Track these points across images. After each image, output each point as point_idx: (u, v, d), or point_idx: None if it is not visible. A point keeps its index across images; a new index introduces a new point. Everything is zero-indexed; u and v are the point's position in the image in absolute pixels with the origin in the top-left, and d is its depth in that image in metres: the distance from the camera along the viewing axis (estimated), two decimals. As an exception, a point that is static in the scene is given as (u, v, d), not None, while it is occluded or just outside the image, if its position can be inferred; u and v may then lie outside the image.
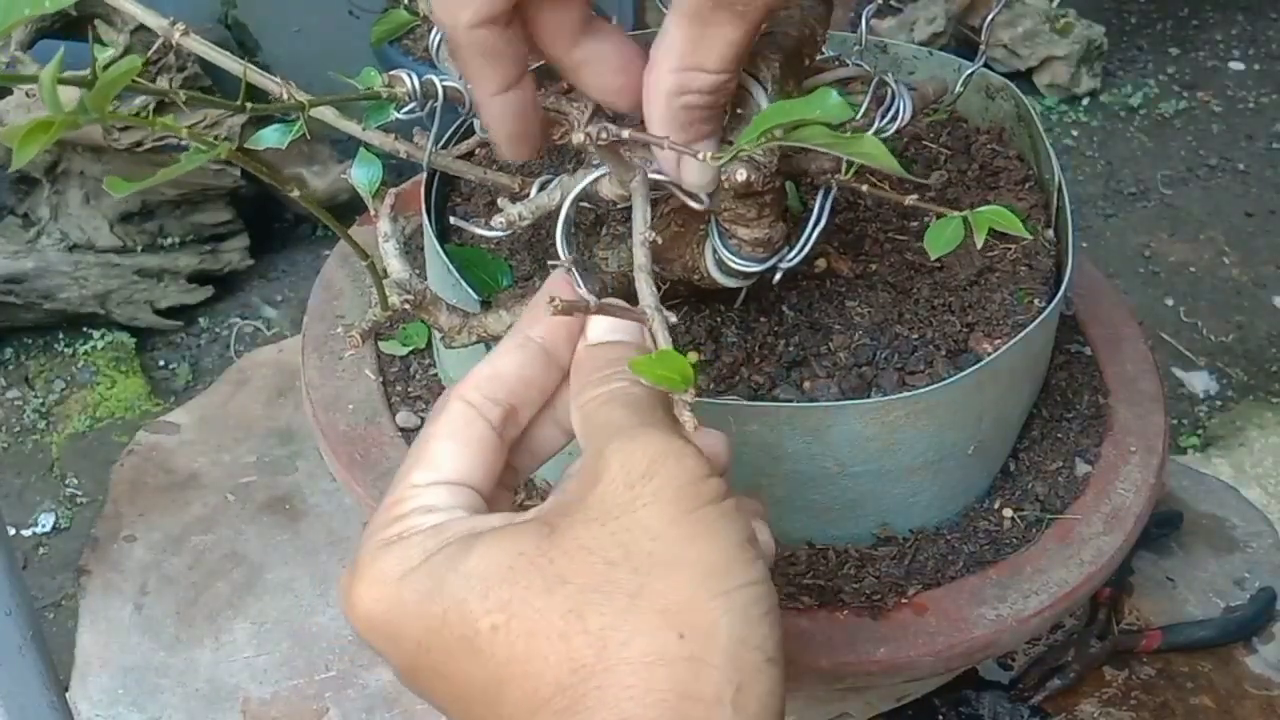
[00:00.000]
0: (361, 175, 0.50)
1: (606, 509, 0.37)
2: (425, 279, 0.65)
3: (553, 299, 0.38)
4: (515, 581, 0.36)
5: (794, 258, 0.54)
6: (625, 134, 0.45)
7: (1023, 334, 0.57)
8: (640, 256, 0.43)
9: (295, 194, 0.39)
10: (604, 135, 0.44)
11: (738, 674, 0.35)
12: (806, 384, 0.58)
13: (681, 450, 0.37)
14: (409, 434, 0.65)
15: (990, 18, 0.61)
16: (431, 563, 0.38)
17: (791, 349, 0.59)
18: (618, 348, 0.43)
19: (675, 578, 0.35)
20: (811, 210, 0.54)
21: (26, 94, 1.63)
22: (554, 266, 0.45)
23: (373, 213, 0.51)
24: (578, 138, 0.45)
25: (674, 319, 0.41)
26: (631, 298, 0.44)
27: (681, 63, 0.44)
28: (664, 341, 0.40)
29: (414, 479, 0.41)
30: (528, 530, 0.38)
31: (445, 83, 0.48)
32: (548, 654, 0.35)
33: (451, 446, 0.42)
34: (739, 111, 0.52)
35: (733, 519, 0.37)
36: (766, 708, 0.35)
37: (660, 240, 0.45)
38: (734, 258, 0.53)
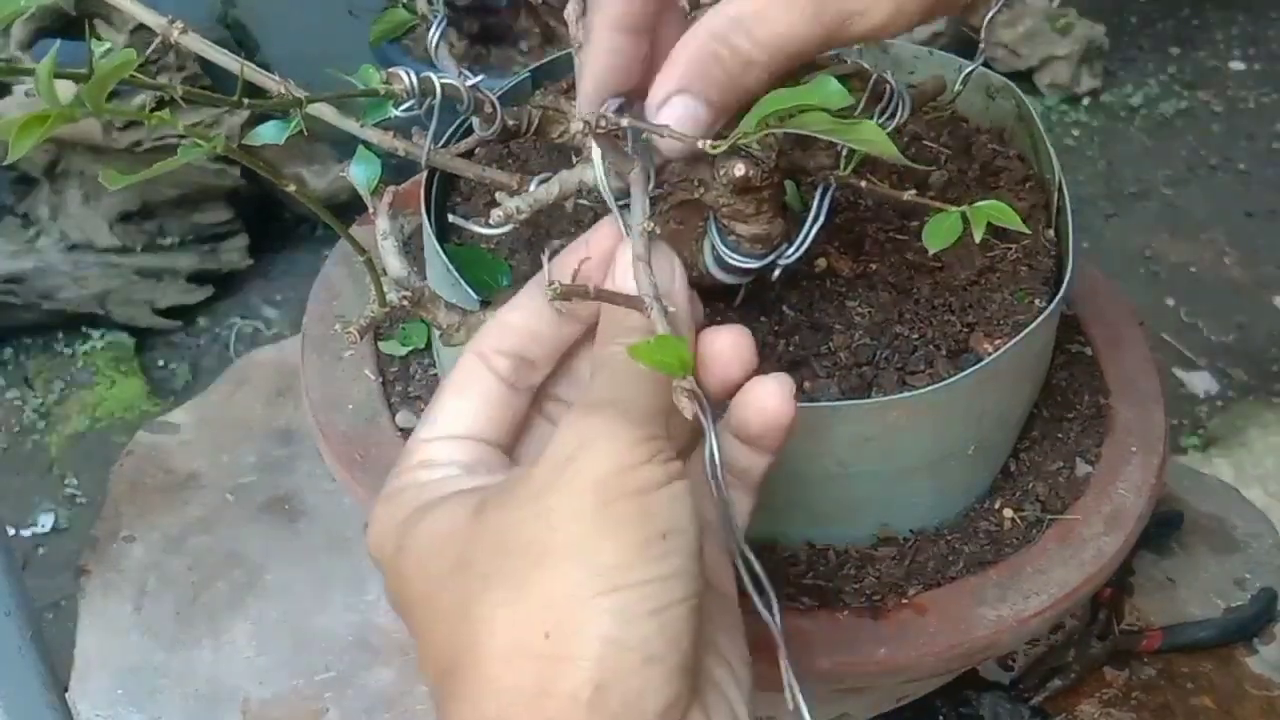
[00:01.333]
0: (360, 173, 0.50)
1: (529, 492, 0.37)
2: (424, 277, 0.65)
3: (551, 283, 0.37)
4: (440, 559, 0.38)
5: (793, 254, 0.54)
6: (624, 121, 0.45)
7: (1023, 334, 0.57)
8: (638, 246, 0.43)
9: (292, 189, 0.38)
10: (603, 122, 0.44)
11: (601, 673, 0.34)
12: (806, 384, 0.58)
13: (616, 434, 0.36)
14: (409, 434, 0.65)
15: (989, 16, 0.61)
16: (402, 526, 0.40)
17: (791, 349, 0.59)
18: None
19: (564, 572, 0.35)
20: (811, 208, 0.54)
21: (27, 93, 1.63)
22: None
23: (371, 210, 0.50)
24: (576, 125, 0.45)
25: (672, 309, 0.41)
26: None
27: (740, 17, 0.41)
28: (663, 328, 0.40)
29: (421, 434, 0.43)
30: (466, 504, 0.38)
31: (443, 80, 0.48)
32: (441, 637, 0.37)
33: (456, 401, 0.43)
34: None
35: (651, 512, 0.35)
36: (634, 706, 0.34)
37: (659, 232, 0.44)
38: (732, 254, 0.53)
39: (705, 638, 0.38)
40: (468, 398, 0.43)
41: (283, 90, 0.42)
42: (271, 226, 2.01)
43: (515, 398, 0.43)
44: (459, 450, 0.42)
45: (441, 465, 0.42)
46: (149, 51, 0.44)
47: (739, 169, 0.47)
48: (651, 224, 0.44)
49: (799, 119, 0.41)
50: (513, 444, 0.44)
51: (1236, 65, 2.61)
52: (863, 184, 0.52)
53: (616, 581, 0.34)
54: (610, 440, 0.36)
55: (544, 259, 0.44)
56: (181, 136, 0.36)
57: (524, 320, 0.43)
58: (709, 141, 0.45)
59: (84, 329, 1.83)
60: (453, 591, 0.37)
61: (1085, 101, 2.47)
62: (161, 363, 1.86)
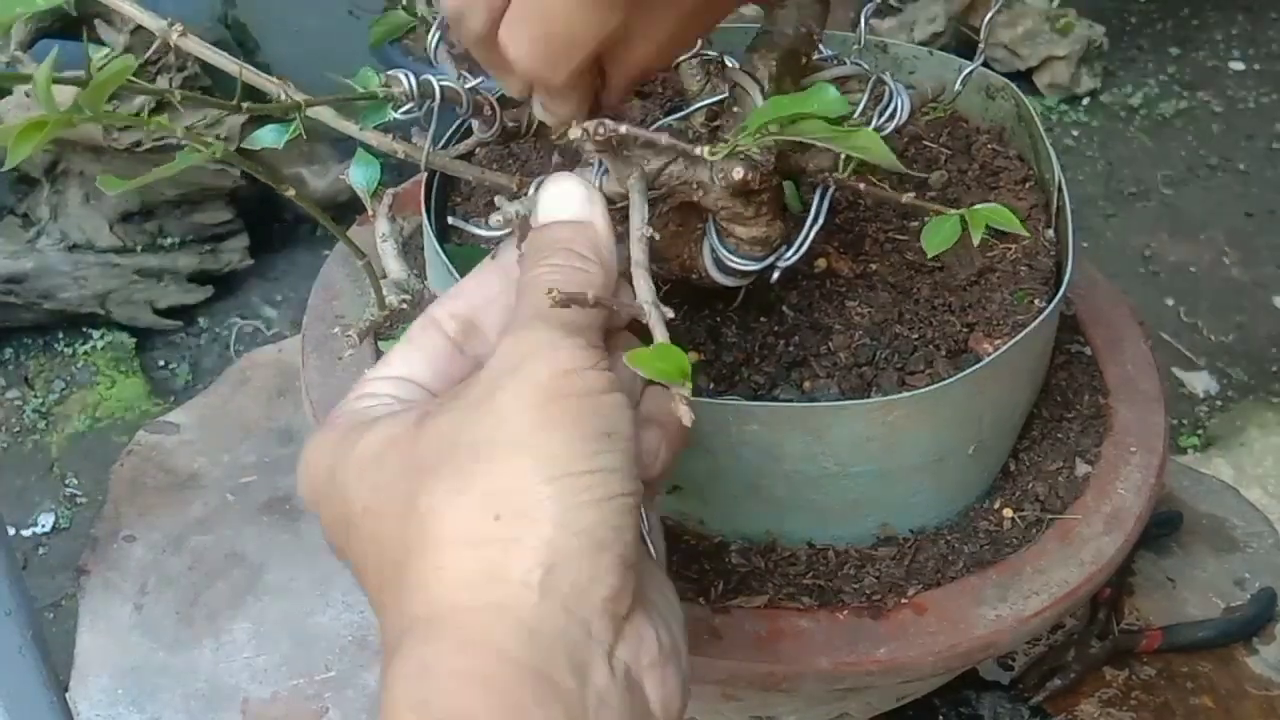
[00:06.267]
0: (360, 176, 0.50)
1: (473, 397, 0.38)
2: (423, 279, 0.65)
3: (550, 290, 0.38)
4: (383, 466, 0.38)
5: (792, 256, 0.54)
6: (623, 129, 0.45)
7: (1023, 334, 0.57)
8: (637, 253, 0.43)
9: (291, 194, 0.38)
10: (601, 130, 0.44)
11: (551, 555, 0.35)
12: (806, 384, 0.58)
13: (557, 343, 0.38)
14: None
15: (989, 17, 0.61)
16: (336, 448, 0.40)
17: (791, 349, 0.59)
18: (561, 228, 0.44)
19: (510, 463, 0.36)
20: (809, 209, 0.54)
21: (26, 94, 1.63)
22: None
23: (371, 213, 0.51)
24: (575, 133, 0.45)
25: (671, 314, 0.41)
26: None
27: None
28: (661, 336, 0.40)
29: (367, 374, 0.44)
30: (408, 416, 0.39)
31: (442, 83, 0.48)
32: (391, 534, 0.37)
33: (404, 350, 0.44)
34: (735, 111, 0.52)
35: (596, 412, 0.37)
36: (583, 591, 0.36)
37: (658, 238, 0.45)
38: (732, 256, 0.53)
39: (641, 575, 0.39)
40: (416, 349, 0.44)
41: (281, 92, 0.42)
42: (271, 226, 2.01)
43: (461, 360, 0.44)
44: (398, 387, 0.43)
45: (379, 396, 0.43)
46: (149, 53, 0.44)
47: (738, 172, 0.47)
48: (650, 230, 0.44)
49: (797, 126, 0.41)
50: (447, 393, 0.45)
51: (1236, 65, 2.61)
52: (862, 185, 0.52)
53: (563, 469, 0.36)
54: (553, 348, 0.38)
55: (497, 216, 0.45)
56: (181, 145, 0.36)
57: (475, 286, 0.45)
58: (707, 148, 0.45)
59: (84, 329, 1.83)
60: (399, 491, 0.37)
61: (1085, 101, 2.47)
62: (161, 363, 1.86)
